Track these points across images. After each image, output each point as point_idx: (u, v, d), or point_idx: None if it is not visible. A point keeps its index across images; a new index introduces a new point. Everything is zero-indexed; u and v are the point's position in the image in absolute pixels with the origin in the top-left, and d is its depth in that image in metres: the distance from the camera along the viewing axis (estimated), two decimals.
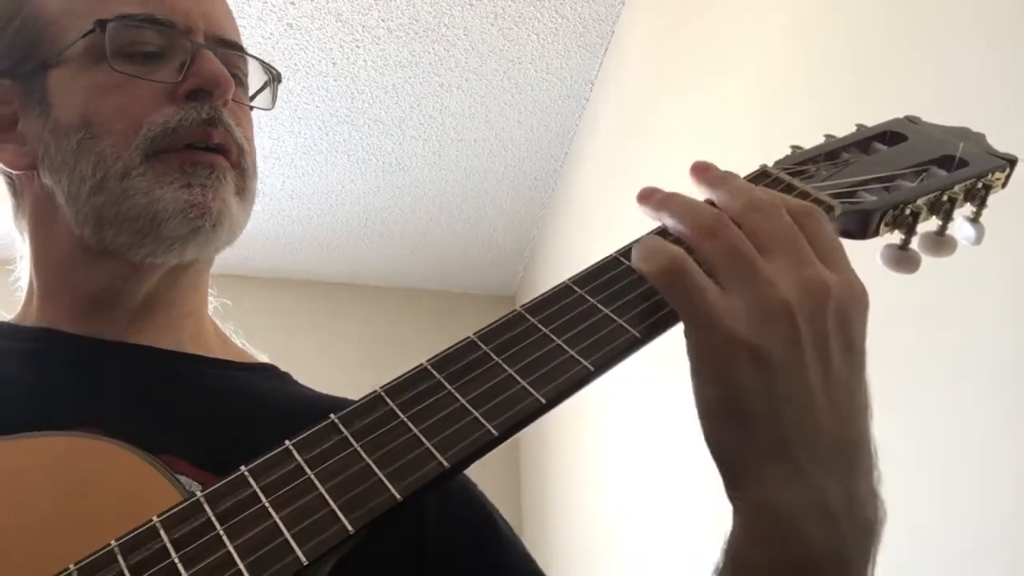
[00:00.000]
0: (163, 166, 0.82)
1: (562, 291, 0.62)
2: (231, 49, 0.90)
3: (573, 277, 0.63)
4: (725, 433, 0.56)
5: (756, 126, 1.96)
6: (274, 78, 0.95)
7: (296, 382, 0.94)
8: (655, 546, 2.40)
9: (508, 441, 0.56)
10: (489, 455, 0.56)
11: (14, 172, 0.88)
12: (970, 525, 1.22)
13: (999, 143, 0.75)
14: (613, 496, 2.77)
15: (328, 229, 3.76)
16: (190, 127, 0.82)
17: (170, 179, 0.81)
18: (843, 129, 0.79)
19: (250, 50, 0.94)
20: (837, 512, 0.55)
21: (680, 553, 2.23)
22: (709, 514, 2.01)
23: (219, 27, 0.89)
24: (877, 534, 0.58)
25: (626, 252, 0.64)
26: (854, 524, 0.56)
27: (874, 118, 0.80)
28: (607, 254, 0.64)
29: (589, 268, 0.63)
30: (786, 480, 0.55)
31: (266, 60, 0.95)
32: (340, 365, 2.96)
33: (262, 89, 0.95)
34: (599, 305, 0.60)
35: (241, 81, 0.91)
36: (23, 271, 0.92)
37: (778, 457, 0.55)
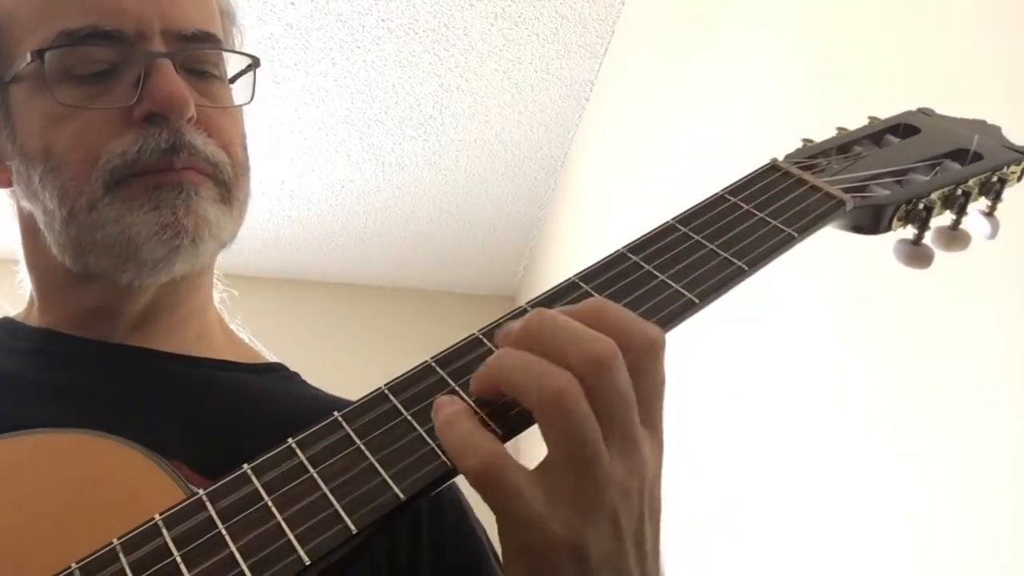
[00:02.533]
0: (128, 192, 0.77)
1: (568, 287, 0.61)
2: (194, 43, 0.82)
3: (579, 273, 0.62)
4: None
5: (759, 123, 1.95)
6: (251, 65, 0.88)
7: (305, 383, 0.92)
8: None
9: (508, 442, 0.55)
10: None
11: None
12: (975, 524, 1.21)
13: (1015, 136, 0.75)
14: None
15: (328, 229, 3.75)
16: (150, 158, 0.77)
17: (138, 203, 0.77)
18: (851, 127, 0.79)
19: (249, 48, 0.89)
20: None
21: (681, 551, 2.22)
22: (708, 513, 2.00)
23: (178, 21, 0.81)
24: None
25: (635, 247, 0.63)
26: None
27: (884, 112, 0.79)
28: (612, 250, 0.63)
29: (595, 264, 0.62)
30: None
31: (245, 50, 0.88)
32: (340, 365, 2.95)
33: (243, 73, 0.89)
34: None
35: (214, 75, 0.85)
36: (25, 270, 0.90)
37: None
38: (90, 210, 0.77)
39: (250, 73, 0.89)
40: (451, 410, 0.54)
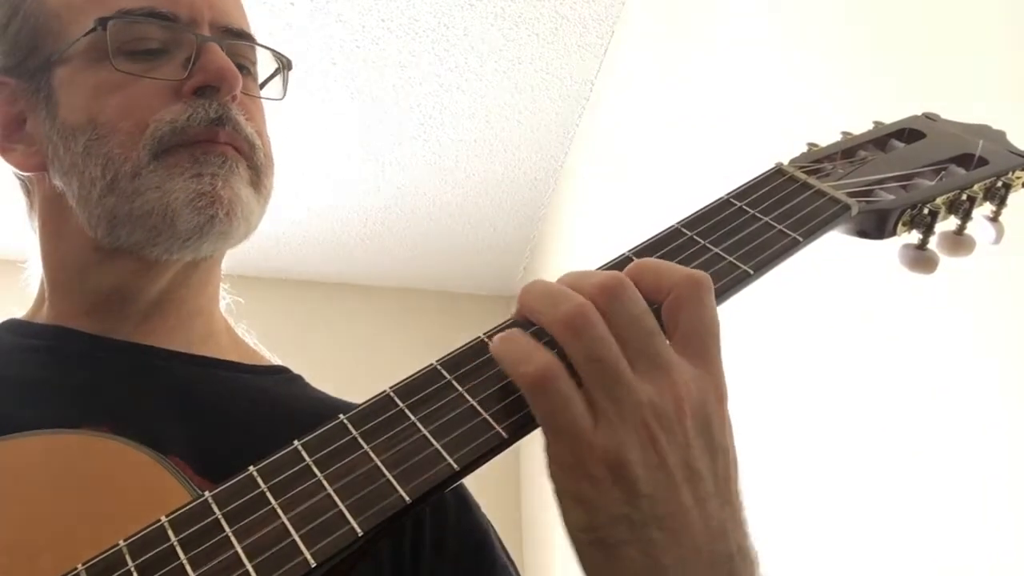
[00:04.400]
0: (173, 159, 0.80)
1: None
2: (238, 39, 0.87)
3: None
4: (594, 561, 0.53)
5: (759, 126, 1.95)
6: (284, 66, 0.93)
7: (309, 385, 0.93)
8: None
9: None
10: None
11: (24, 174, 0.87)
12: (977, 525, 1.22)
13: (1020, 141, 0.75)
14: None
15: (328, 229, 3.75)
16: (198, 127, 0.81)
17: (180, 170, 0.79)
18: (856, 131, 0.79)
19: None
20: None
21: None
22: None
23: (225, 16, 0.86)
24: None
25: (640, 251, 0.63)
26: None
27: (889, 117, 0.80)
28: (616, 253, 0.63)
29: (604, 266, 0.62)
30: None
31: (275, 49, 0.93)
32: (339, 365, 2.95)
33: (272, 76, 0.93)
34: None
35: (249, 71, 0.89)
36: (34, 269, 0.90)
37: None
38: (133, 177, 0.80)
39: (278, 77, 0.94)
40: (512, 330, 0.56)
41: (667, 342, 0.55)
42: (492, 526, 0.87)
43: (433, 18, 2.78)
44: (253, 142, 0.85)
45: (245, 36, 0.88)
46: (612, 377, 0.53)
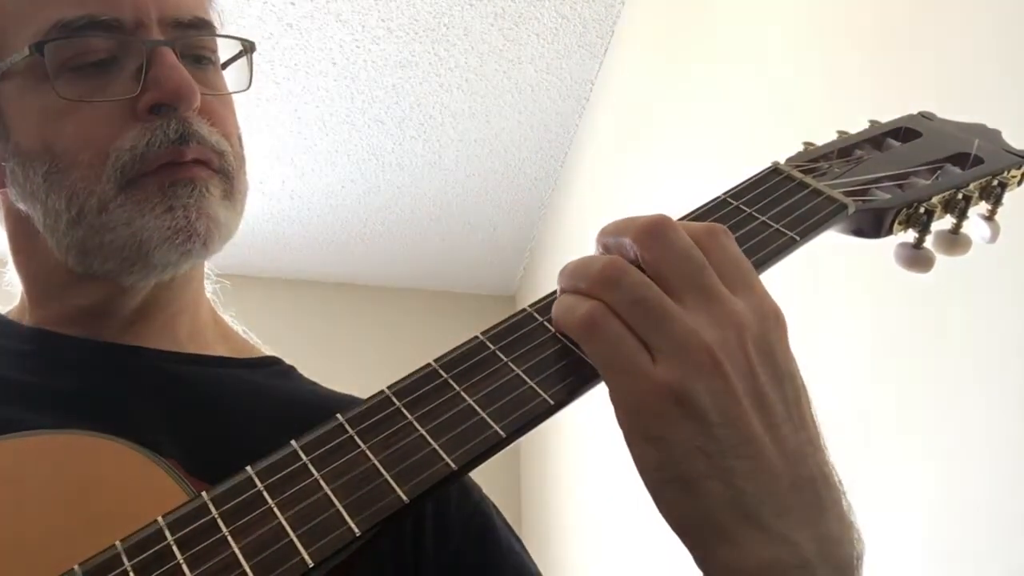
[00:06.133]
0: (141, 193, 0.76)
1: None
2: (192, 30, 0.80)
3: None
4: (675, 500, 0.52)
5: (758, 125, 1.95)
6: (247, 49, 0.86)
7: (302, 377, 0.92)
8: (655, 542, 2.40)
9: (512, 445, 0.56)
10: None
11: None
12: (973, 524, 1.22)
13: (1016, 140, 0.75)
14: (613, 494, 2.77)
15: (328, 229, 3.75)
16: (159, 150, 0.76)
17: (150, 205, 0.76)
18: (852, 127, 0.79)
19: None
20: (812, 560, 0.51)
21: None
22: None
23: (174, 8, 0.79)
24: (858, 568, 0.54)
25: None
26: (831, 567, 0.52)
27: (884, 116, 0.80)
28: None
29: None
30: (754, 540, 0.51)
31: (240, 34, 0.86)
32: (340, 365, 2.94)
33: (235, 59, 0.87)
34: None
35: (211, 61, 0.83)
36: (11, 272, 0.88)
37: (740, 518, 0.51)
38: (100, 211, 0.76)
39: (243, 59, 0.87)
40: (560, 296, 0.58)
41: (716, 276, 0.55)
42: (495, 507, 0.86)
43: (433, 18, 2.78)
44: (221, 150, 0.80)
45: (199, 25, 0.81)
46: (658, 313, 0.53)
